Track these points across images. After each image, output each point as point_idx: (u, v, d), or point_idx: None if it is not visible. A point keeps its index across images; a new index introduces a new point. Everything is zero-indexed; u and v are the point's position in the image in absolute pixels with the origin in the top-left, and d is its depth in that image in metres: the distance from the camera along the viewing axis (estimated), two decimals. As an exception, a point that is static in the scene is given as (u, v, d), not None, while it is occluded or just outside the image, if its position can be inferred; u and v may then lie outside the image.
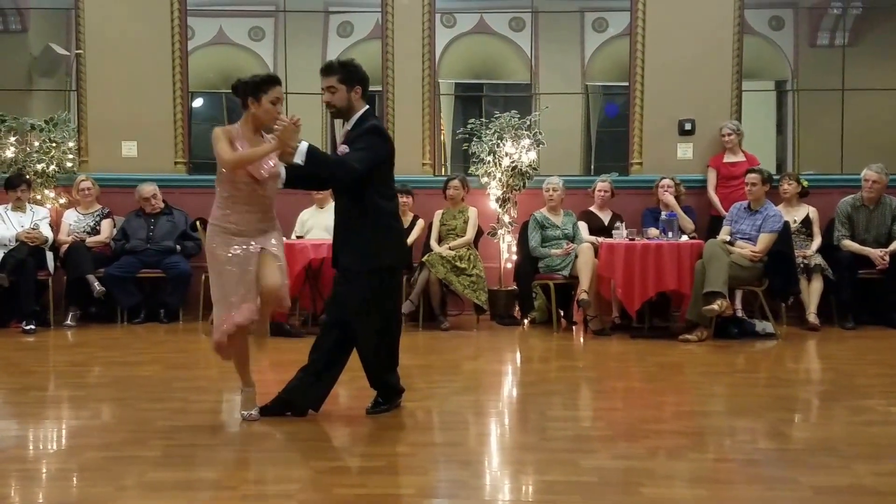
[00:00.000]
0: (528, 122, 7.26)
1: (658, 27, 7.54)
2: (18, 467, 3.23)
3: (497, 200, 7.25)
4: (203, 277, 6.81)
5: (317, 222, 7.00)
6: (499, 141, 7.17)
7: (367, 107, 3.88)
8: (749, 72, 8.01)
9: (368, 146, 3.72)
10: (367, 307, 3.80)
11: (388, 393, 4.02)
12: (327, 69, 3.82)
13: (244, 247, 3.70)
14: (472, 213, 7.03)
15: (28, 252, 6.55)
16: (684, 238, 6.46)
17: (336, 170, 3.70)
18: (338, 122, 4.34)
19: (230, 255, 3.69)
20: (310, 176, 3.77)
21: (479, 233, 7.11)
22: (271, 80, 3.72)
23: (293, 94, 7.99)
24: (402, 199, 7.10)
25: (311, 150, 3.59)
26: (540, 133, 7.25)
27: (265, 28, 9.67)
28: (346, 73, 3.80)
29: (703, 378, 5.05)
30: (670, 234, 6.38)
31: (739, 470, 3.24)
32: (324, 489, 3.01)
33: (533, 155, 7.19)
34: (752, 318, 6.48)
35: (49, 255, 6.79)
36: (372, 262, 3.78)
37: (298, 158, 3.55)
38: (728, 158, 7.35)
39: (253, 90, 3.68)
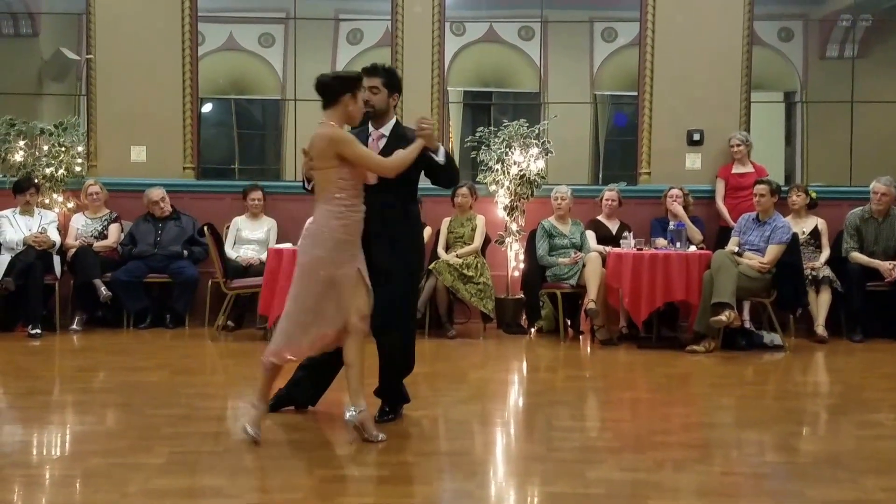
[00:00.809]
0: (537, 131, 7.26)
1: (667, 37, 7.54)
2: (22, 473, 3.22)
3: (505, 208, 7.24)
4: (210, 283, 6.84)
5: None
6: (507, 149, 7.16)
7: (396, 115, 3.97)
8: (758, 83, 8.00)
9: None
10: (408, 309, 3.91)
11: (396, 401, 4.00)
12: (373, 70, 3.83)
13: (349, 264, 3.59)
14: (480, 220, 7.02)
15: (35, 256, 6.56)
16: (692, 248, 6.44)
17: (456, 173, 3.95)
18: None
19: (332, 273, 3.55)
20: (438, 175, 3.86)
21: (487, 241, 7.10)
22: (362, 77, 3.72)
23: (302, 100, 8.03)
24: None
25: (447, 151, 3.79)
26: (548, 142, 7.24)
27: (275, 34, 9.71)
28: (390, 77, 3.86)
29: (711, 389, 5.02)
30: (678, 244, 6.36)
31: (747, 483, 3.22)
32: (328, 498, 2.99)
33: (541, 163, 7.19)
34: (760, 330, 6.45)
35: (56, 260, 6.79)
36: (413, 262, 3.89)
37: (441, 157, 3.72)
38: (737, 169, 7.33)
39: (350, 86, 3.60)
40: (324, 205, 3.58)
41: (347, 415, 3.57)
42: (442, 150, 3.74)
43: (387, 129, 3.87)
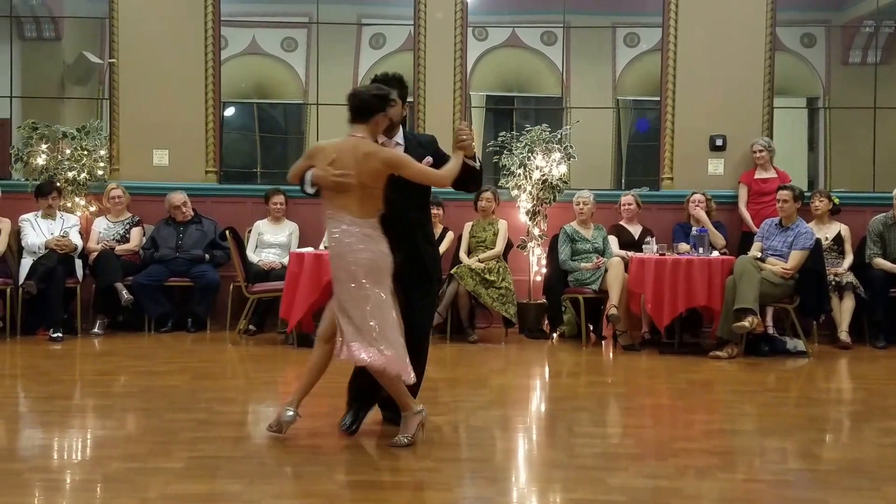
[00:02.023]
0: (559, 136, 7.23)
1: (690, 43, 7.50)
2: (43, 477, 3.23)
3: (527, 213, 7.22)
4: (231, 287, 6.87)
5: None
6: (529, 154, 7.14)
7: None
8: (781, 89, 7.94)
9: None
10: (433, 315, 4.02)
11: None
12: (388, 83, 3.76)
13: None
14: (502, 225, 7.00)
15: (57, 260, 6.60)
16: (715, 254, 6.39)
17: (481, 175, 3.90)
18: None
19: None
20: (469, 182, 3.85)
21: (509, 245, 7.08)
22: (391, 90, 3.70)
23: (325, 105, 8.05)
24: (433, 211, 7.09)
25: (475, 156, 3.76)
26: (571, 146, 7.22)
27: (298, 39, 9.75)
28: (402, 88, 3.82)
29: (733, 396, 4.97)
30: (701, 249, 6.31)
31: (769, 491, 3.19)
32: (348, 504, 2.99)
33: (563, 168, 7.16)
34: (783, 336, 6.40)
35: (78, 263, 6.84)
36: (439, 270, 4.01)
37: (478, 163, 3.77)
38: (759, 175, 7.26)
39: (385, 104, 3.60)
40: (368, 223, 3.55)
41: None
42: (478, 156, 3.81)
43: (400, 138, 3.83)
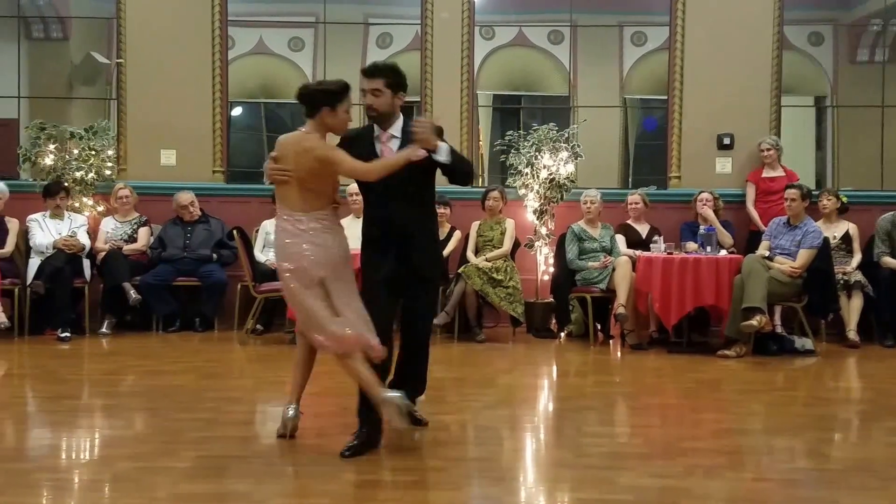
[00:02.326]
0: (567, 135, 7.22)
1: (697, 42, 7.48)
2: (51, 477, 3.24)
3: (534, 212, 7.21)
4: (239, 286, 6.88)
5: (352, 233, 7.01)
6: (537, 153, 7.13)
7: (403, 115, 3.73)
8: (788, 87, 7.90)
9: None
10: (431, 317, 3.88)
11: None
12: (373, 71, 3.62)
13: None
14: (510, 224, 7.00)
15: (65, 260, 6.62)
16: (723, 252, 6.37)
17: (468, 167, 3.73)
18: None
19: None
20: (451, 175, 3.67)
21: (516, 245, 7.07)
22: (347, 89, 3.59)
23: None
24: (439, 210, 7.08)
25: (452, 150, 3.56)
26: (578, 145, 7.20)
27: (305, 39, 9.76)
28: (394, 77, 3.62)
29: (742, 395, 4.96)
30: (709, 248, 6.29)
31: (777, 490, 3.18)
32: (356, 503, 2.98)
33: (571, 167, 7.15)
34: (792, 335, 6.38)
35: (86, 263, 6.86)
36: (441, 267, 3.83)
37: (443, 157, 3.51)
38: (767, 173, 7.24)
39: (329, 99, 3.52)
40: (312, 216, 3.55)
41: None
42: (444, 147, 3.51)
43: (396, 130, 3.67)
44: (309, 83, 3.70)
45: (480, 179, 8.93)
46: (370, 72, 3.63)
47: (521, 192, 7.22)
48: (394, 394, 3.40)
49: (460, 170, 3.64)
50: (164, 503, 2.93)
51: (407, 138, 3.58)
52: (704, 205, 6.94)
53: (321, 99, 3.53)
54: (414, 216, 3.67)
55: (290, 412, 3.68)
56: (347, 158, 3.50)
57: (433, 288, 3.88)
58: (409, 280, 3.66)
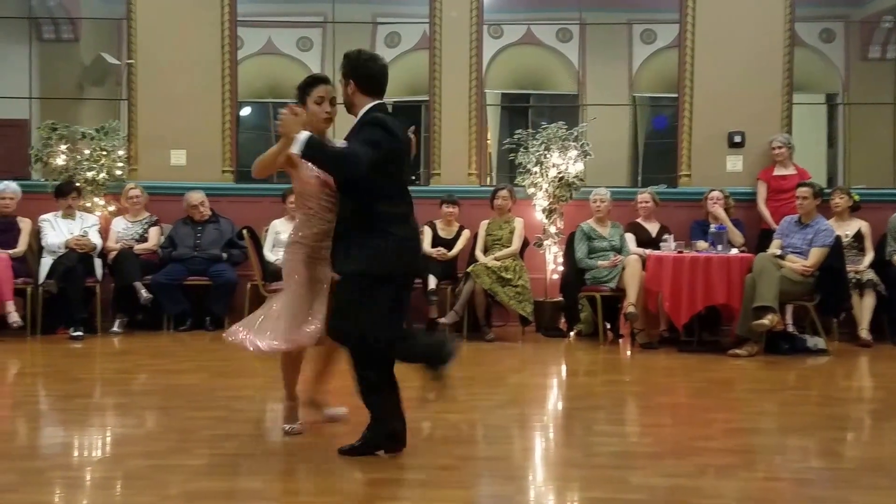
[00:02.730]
0: (576, 133, 7.21)
1: (707, 39, 7.46)
2: (64, 474, 3.26)
3: (543, 211, 7.20)
4: (248, 286, 6.90)
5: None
6: (546, 152, 7.12)
7: (375, 103, 3.52)
8: (799, 85, 7.86)
9: (368, 138, 3.37)
10: (345, 314, 3.43)
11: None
12: (323, 79, 3.74)
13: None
14: (519, 223, 6.99)
15: (77, 259, 6.66)
16: (734, 251, 6.34)
17: (339, 161, 3.37)
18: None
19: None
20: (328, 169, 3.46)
21: (525, 243, 7.06)
22: (313, 81, 3.66)
23: (340, 104, 8.04)
24: (448, 209, 7.09)
25: (312, 140, 3.32)
26: (587, 144, 7.19)
27: (313, 38, 9.78)
28: (345, 65, 3.58)
29: (753, 395, 4.94)
30: (719, 246, 6.26)
31: (790, 489, 3.16)
32: (367, 502, 3.00)
33: (580, 166, 7.14)
34: (803, 334, 6.35)
35: (97, 263, 6.90)
36: (356, 266, 3.43)
37: (296, 148, 3.31)
38: (778, 171, 7.21)
39: (300, 94, 3.63)
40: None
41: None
42: (300, 139, 3.30)
43: (356, 120, 3.54)
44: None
45: (489, 178, 8.93)
46: (322, 80, 3.73)
47: (530, 190, 7.21)
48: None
49: (320, 163, 3.42)
50: (176, 500, 2.95)
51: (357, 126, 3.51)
52: (715, 203, 6.91)
53: (298, 96, 3.65)
54: (348, 211, 3.50)
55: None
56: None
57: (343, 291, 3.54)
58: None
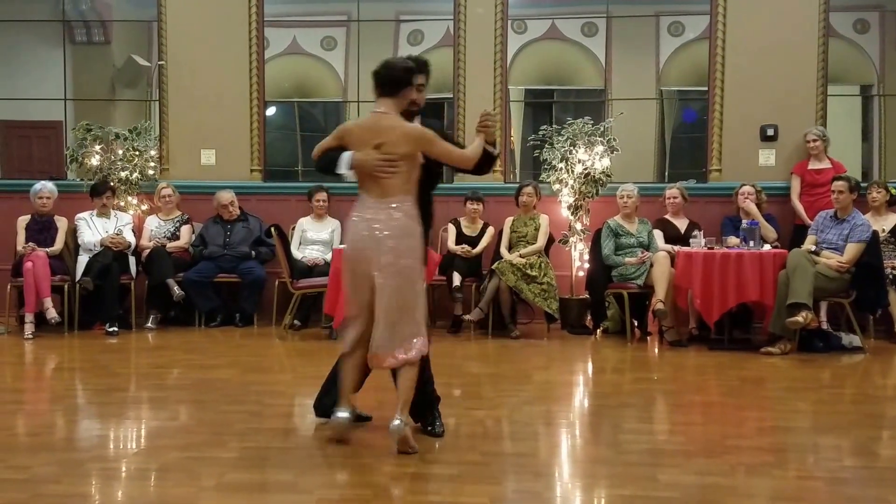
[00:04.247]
0: (602, 129, 7.16)
1: (739, 30, 7.35)
2: (102, 466, 3.33)
3: (569, 207, 7.16)
4: (277, 283, 6.98)
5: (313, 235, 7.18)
6: (571, 147, 7.09)
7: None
8: (833, 76, 7.72)
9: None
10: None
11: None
12: (424, 66, 3.62)
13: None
14: (544, 220, 6.97)
15: (112, 257, 6.79)
16: (766, 247, 6.26)
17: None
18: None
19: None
20: (482, 166, 3.65)
21: (550, 240, 7.04)
22: (417, 68, 3.55)
23: (364, 102, 8.10)
24: (473, 206, 7.10)
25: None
26: (614, 139, 7.14)
27: (337, 37, 9.83)
28: (429, 74, 3.68)
29: (787, 393, 4.87)
30: (752, 242, 6.18)
31: (824, 488, 3.11)
32: (398, 495, 3.01)
33: (606, 162, 7.09)
34: (839, 332, 6.25)
35: (132, 260, 7.03)
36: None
37: (497, 150, 3.63)
38: (813, 165, 7.10)
39: (402, 80, 3.49)
40: (404, 202, 3.48)
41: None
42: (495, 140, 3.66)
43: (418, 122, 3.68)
44: (391, 60, 3.57)
45: (513, 175, 8.92)
46: (422, 68, 3.62)
47: (556, 187, 7.18)
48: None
49: (493, 161, 3.68)
50: (211, 492, 2.99)
51: None
52: (746, 198, 6.82)
53: (408, 78, 3.50)
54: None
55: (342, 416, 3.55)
56: (449, 144, 3.55)
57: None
58: None
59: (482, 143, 3.55)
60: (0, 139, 9.06)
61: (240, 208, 7.42)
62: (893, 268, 6.42)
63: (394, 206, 3.46)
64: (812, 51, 7.33)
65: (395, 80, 3.49)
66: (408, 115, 3.58)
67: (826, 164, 7.07)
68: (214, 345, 6.38)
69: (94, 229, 6.98)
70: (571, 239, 7.15)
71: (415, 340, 3.43)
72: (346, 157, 3.48)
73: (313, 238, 7.27)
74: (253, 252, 7.25)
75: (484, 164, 3.62)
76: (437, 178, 3.76)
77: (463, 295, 6.82)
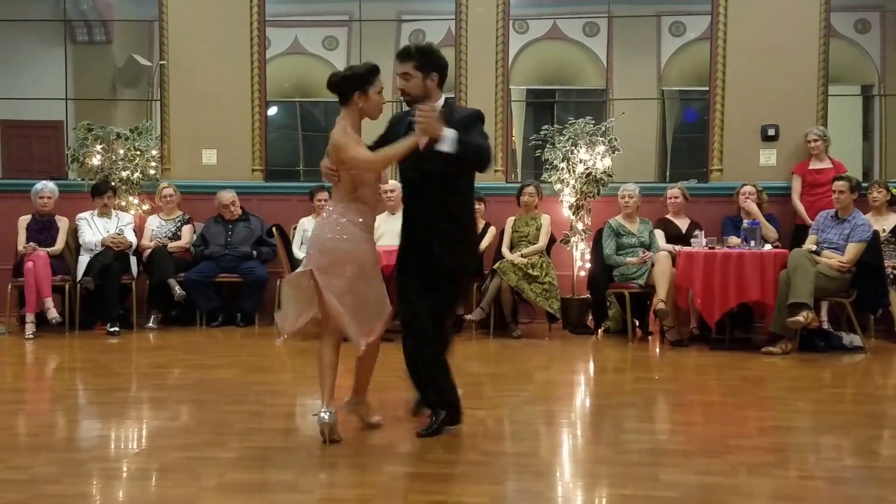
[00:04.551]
0: (603, 129, 7.16)
1: (740, 30, 7.36)
2: (103, 466, 3.33)
3: (570, 207, 7.16)
4: (278, 283, 6.97)
5: (389, 228, 7.06)
6: (573, 147, 7.09)
7: (446, 96, 3.69)
8: (834, 76, 7.72)
9: (482, 132, 3.57)
10: (449, 304, 3.83)
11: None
12: (404, 54, 3.60)
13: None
14: (545, 220, 6.97)
15: (113, 257, 6.80)
16: (767, 247, 6.26)
17: (485, 155, 3.53)
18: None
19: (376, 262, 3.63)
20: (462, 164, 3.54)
21: (552, 240, 7.04)
22: (376, 70, 3.53)
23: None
24: (475, 206, 7.09)
25: (460, 137, 3.42)
26: (615, 139, 7.14)
27: (339, 37, 9.84)
28: (423, 58, 3.60)
29: (788, 393, 4.87)
30: (752, 242, 6.19)
31: (825, 488, 3.11)
32: (399, 495, 3.01)
33: (608, 161, 7.09)
34: (839, 331, 6.25)
35: (133, 260, 7.03)
36: (460, 260, 3.72)
37: (448, 147, 3.39)
38: (814, 165, 7.11)
39: (359, 83, 3.50)
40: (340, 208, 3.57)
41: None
42: (449, 136, 3.39)
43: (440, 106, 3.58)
44: (338, 71, 3.67)
45: (514, 175, 8.91)
46: (402, 55, 3.63)
47: (557, 187, 7.18)
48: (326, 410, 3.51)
49: (470, 158, 3.49)
50: (211, 492, 2.99)
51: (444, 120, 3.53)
52: (747, 198, 6.83)
53: (350, 85, 3.52)
54: (438, 210, 3.62)
55: (326, 416, 3.52)
56: (353, 147, 3.47)
57: (452, 283, 3.71)
58: (434, 276, 3.65)
59: (409, 144, 3.46)
60: (1, 139, 9.07)
61: (241, 208, 7.42)
62: (894, 267, 6.43)
63: (343, 209, 3.56)
64: (813, 51, 7.34)
65: (336, 91, 3.56)
66: (422, 99, 3.59)
67: (827, 164, 7.08)
68: (215, 345, 6.38)
69: (95, 229, 6.99)
70: (573, 239, 7.15)
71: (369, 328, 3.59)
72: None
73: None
74: (254, 252, 7.26)
75: (465, 163, 3.52)
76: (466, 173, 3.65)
77: (464, 294, 6.82)
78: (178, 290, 6.83)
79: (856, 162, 9.01)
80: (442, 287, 3.66)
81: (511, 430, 3.98)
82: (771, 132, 7.38)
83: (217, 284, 7.16)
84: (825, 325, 6.31)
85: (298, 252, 7.12)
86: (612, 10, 8.58)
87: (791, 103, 7.33)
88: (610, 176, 7.13)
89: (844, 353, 5.96)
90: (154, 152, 7.64)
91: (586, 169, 7.06)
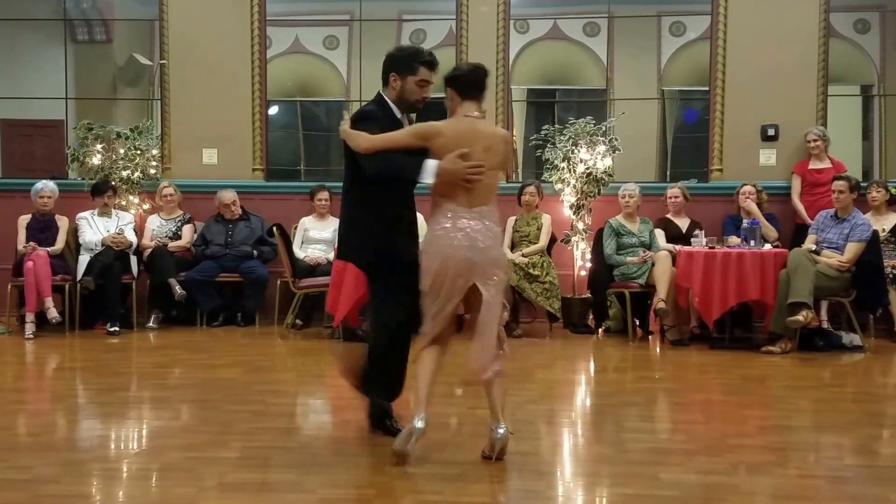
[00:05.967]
0: (604, 128, 7.17)
1: (740, 30, 7.36)
2: (103, 466, 3.33)
3: (571, 207, 7.17)
4: (279, 282, 6.99)
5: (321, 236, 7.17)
6: (573, 147, 7.10)
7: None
8: (834, 76, 7.73)
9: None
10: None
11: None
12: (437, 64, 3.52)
13: None
14: (546, 219, 6.98)
15: (114, 256, 6.79)
16: (767, 246, 6.27)
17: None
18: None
19: None
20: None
21: (553, 240, 7.05)
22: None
23: (366, 101, 8.10)
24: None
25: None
26: (616, 139, 7.14)
27: (339, 37, 9.84)
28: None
29: (788, 392, 4.88)
30: (752, 242, 6.19)
31: (826, 487, 3.12)
32: (400, 495, 3.02)
33: (608, 161, 7.09)
34: (839, 330, 6.26)
35: (133, 260, 7.03)
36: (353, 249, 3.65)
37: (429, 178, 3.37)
38: (814, 165, 7.11)
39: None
40: (493, 210, 3.45)
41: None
42: (429, 168, 3.30)
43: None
44: (476, 64, 3.45)
45: (515, 175, 8.91)
46: (435, 63, 3.54)
47: (558, 186, 7.19)
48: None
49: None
50: (213, 492, 3.00)
51: None
52: (747, 198, 6.83)
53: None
54: (412, 205, 3.65)
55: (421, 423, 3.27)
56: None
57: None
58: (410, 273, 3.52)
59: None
60: (1, 138, 9.07)
61: (242, 207, 7.42)
62: (894, 267, 6.43)
63: (486, 214, 3.35)
64: (813, 51, 7.34)
65: (478, 82, 3.37)
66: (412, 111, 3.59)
67: (826, 164, 7.08)
68: (216, 344, 6.38)
69: (95, 229, 6.99)
70: (573, 238, 7.16)
71: (501, 352, 3.38)
72: (430, 165, 3.28)
73: (315, 237, 7.27)
74: (255, 251, 7.26)
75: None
76: None
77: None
78: (178, 289, 6.83)
79: (855, 162, 9.01)
80: (414, 284, 3.46)
81: (512, 430, 3.98)
82: (771, 132, 7.38)
83: (218, 284, 7.16)
84: (825, 325, 6.31)
85: (299, 252, 7.13)
86: (613, 10, 8.59)
87: (791, 103, 7.33)
88: (610, 176, 7.14)
89: (844, 353, 5.96)
90: (154, 151, 7.64)
91: (587, 169, 7.06)
